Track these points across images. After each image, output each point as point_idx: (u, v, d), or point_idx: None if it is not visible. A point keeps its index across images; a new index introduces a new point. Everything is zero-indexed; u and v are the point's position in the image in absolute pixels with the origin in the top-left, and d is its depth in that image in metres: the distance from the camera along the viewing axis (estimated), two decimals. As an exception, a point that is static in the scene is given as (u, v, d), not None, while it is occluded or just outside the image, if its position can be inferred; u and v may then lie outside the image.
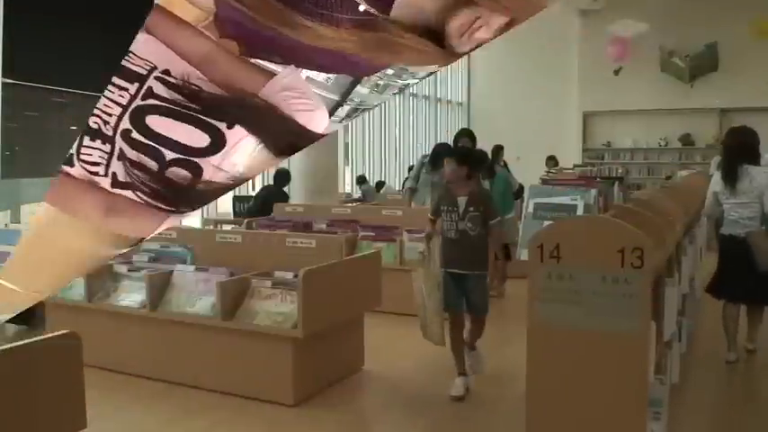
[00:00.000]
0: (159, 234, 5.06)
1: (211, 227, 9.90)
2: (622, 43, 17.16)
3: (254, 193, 9.81)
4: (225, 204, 11.40)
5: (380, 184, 14.80)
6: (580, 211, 3.20)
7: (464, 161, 4.54)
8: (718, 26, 16.67)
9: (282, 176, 9.17)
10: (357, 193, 13.80)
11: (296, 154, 8.50)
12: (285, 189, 9.28)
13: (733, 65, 16.85)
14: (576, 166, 13.26)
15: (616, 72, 17.56)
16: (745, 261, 5.04)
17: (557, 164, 13.66)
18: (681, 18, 16.90)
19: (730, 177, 5.16)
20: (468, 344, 4.79)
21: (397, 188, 13.83)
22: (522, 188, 8.78)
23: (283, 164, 11.68)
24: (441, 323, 4.48)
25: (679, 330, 4.58)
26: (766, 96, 16.41)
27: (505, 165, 11.17)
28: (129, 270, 5.10)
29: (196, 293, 4.73)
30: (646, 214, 3.58)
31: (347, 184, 14.84)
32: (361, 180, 13.88)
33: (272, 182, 9.34)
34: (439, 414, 3.86)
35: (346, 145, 14.81)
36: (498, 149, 11.43)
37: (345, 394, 4.69)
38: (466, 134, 7.94)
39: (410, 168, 11.84)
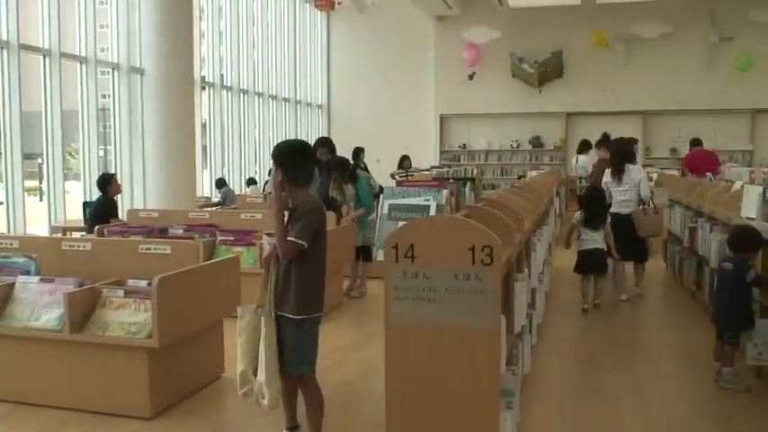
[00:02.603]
0: (-2, 244, 4.55)
1: (59, 234, 9.38)
2: (476, 49, 17.85)
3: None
4: (75, 210, 10.84)
5: (251, 181, 14.60)
6: (433, 212, 3.29)
7: (279, 162, 3.45)
8: (563, 35, 17.70)
9: (102, 182, 8.32)
10: (216, 197, 13.51)
11: (152, 157, 8.28)
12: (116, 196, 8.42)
13: (576, 72, 17.94)
14: (433, 167, 13.66)
15: (470, 76, 18.24)
16: (627, 230, 7.22)
17: (411, 164, 13.97)
18: (529, 26, 17.80)
19: (617, 172, 7.39)
20: None
21: (260, 191, 13.66)
22: (382, 189, 8.94)
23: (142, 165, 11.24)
24: (278, 379, 3.50)
25: (529, 323, 4.81)
26: (604, 101, 17.60)
27: (365, 167, 11.31)
28: (-36, 283, 4.73)
29: (41, 306, 4.45)
30: (496, 213, 3.74)
31: (205, 188, 14.50)
32: (221, 183, 13.61)
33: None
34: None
35: (204, 148, 14.46)
36: (359, 151, 11.56)
37: (205, 403, 4.58)
38: (324, 144, 7.92)
39: (270, 172, 11.76)
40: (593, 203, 7.09)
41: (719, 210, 6.27)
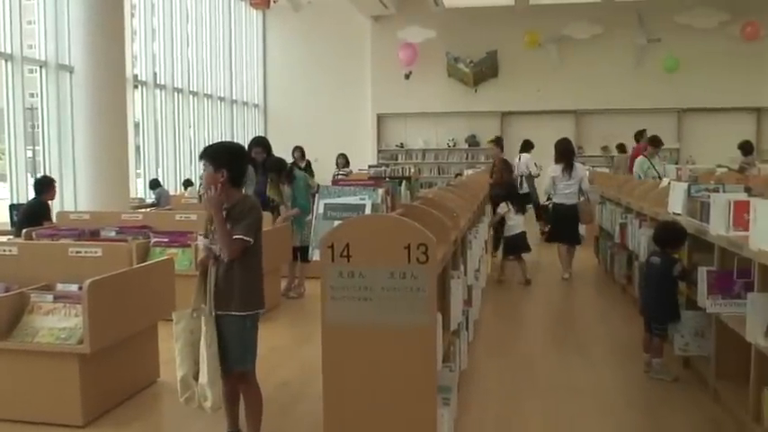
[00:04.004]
0: None
1: (-15, 239, 9.05)
2: (412, 49, 17.94)
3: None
4: (1, 213, 10.47)
5: (188, 183, 14.31)
6: (368, 211, 3.30)
7: (221, 163, 3.49)
8: (497, 35, 17.94)
9: (42, 185, 8.02)
10: (150, 198, 13.23)
11: (82, 157, 8.16)
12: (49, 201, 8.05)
13: (510, 72, 18.21)
14: (371, 166, 13.67)
15: (407, 76, 18.30)
16: (568, 219, 8.44)
17: (347, 163, 13.96)
18: (464, 26, 17.98)
19: (568, 168, 8.45)
20: None
21: (198, 191, 13.41)
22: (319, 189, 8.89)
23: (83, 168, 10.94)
24: (220, 380, 3.53)
25: (466, 319, 4.87)
26: (538, 101, 17.92)
27: (308, 166, 11.28)
28: None
29: (-35, 313, 4.29)
30: (431, 212, 3.77)
31: (139, 189, 14.19)
32: (155, 184, 13.33)
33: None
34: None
35: (137, 148, 14.14)
36: (293, 151, 11.52)
37: (140, 409, 4.49)
38: (259, 143, 7.85)
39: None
40: (515, 196, 8.61)
41: (648, 206, 6.46)
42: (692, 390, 4.66)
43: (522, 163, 12.72)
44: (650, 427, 4.20)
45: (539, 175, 12.06)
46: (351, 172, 13.05)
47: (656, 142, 10.57)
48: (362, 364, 2.87)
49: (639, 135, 12.25)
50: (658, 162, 10.38)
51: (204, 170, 3.57)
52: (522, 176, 12.73)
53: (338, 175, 12.22)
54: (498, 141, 10.96)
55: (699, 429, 4.07)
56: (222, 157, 3.54)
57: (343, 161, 13.93)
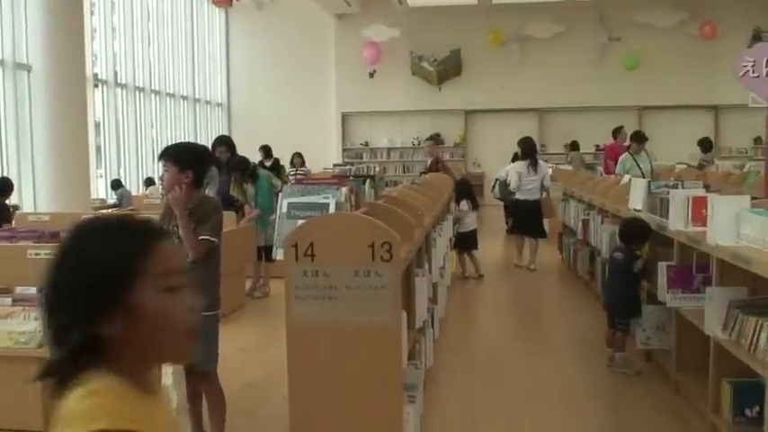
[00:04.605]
0: None
1: (-60, 242, 8.83)
2: (376, 47, 17.96)
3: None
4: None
5: (150, 181, 14.08)
6: (332, 209, 3.30)
7: (187, 164, 3.46)
8: (461, 34, 18.05)
9: (6, 186, 8.01)
10: (112, 199, 13.04)
11: (42, 158, 7.89)
12: (7, 201, 8.04)
13: (474, 70, 18.33)
14: (335, 165, 13.66)
15: (371, 75, 18.33)
16: (532, 213, 8.81)
17: (303, 162, 13.85)
18: (428, 25, 18.05)
19: (533, 165, 8.86)
20: None
21: (160, 191, 13.21)
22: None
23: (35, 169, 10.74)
24: (184, 381, 3.57)
25: (431, 317, 4.89)
26: (502, 99, 18.06)
27: (277, 164, 11.18)
28: None
29: None
30: (395, 210, 3.78)
31: (100, 190, 13.97)
32: (117, 185, 13.14)
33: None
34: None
35: (98, 148, 13.92)
36: (262, 149, 11.43)
37: (103, 412, 4.42)
38: (223, 142, 7.80)
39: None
40: (473, 194, 8.80)
41: (609, 203, 6.55)
42: (654, 382, 4.74)
43: (506, 169, 12.86)
44: (613, 419, 4.27)
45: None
46: (309, 172, 12.92)
47: (639, 138, 9.50)
48: (327, 364, 2.86)
49: (617, 132, 11.97)
50: (645, 159, 9.33)
51: (165, 171, 3.52)
52: (497, 180, 12.92)
53: (296, 174, 12.12)
54: (438, 139, 11.10)
55: (660, 421, 4.14)
56: (187, 158, 3.51)
57: (299, 161, 13.80)
